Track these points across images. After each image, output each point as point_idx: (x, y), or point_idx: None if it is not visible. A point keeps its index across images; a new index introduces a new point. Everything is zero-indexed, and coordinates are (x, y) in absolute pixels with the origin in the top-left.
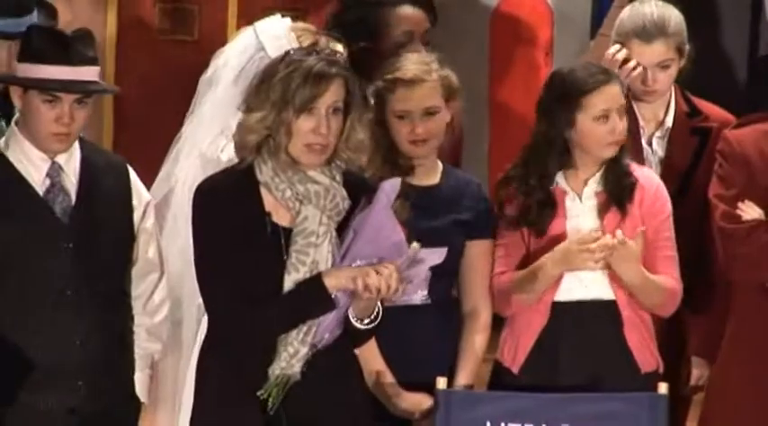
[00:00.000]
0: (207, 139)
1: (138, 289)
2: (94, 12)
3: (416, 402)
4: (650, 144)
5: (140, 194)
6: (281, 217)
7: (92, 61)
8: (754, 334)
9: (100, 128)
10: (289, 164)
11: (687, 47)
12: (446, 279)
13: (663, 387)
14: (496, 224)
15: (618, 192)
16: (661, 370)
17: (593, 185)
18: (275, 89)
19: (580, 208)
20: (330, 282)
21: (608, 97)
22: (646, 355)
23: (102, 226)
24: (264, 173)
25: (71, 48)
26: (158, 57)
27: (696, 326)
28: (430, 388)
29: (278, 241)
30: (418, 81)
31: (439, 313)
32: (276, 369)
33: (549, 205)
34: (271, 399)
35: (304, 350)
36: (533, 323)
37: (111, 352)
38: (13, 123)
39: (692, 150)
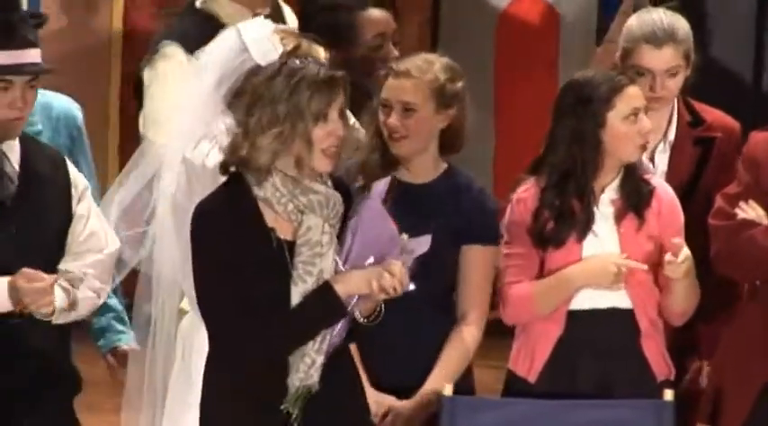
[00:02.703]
0: (190, 145)
1: (69, 265)
2: (100, 16)
3: (378, 401)
4: (652, 159)
5: (77, 182)
6: (283, 231)
7: (35, 44)
8: (743, 334)
9: (105, 134)
10: (287, 178)
11: (693, 56)
12: (433, 277)
13: (668, 394)
14: (497, 232)
15: (636, 200)
16: (673, 378)
17: (611, 192)
18: (284, 103)
19: (597, 215)
20: (342, 289)
21: (635, 96)
22: (661, 363)
23: (44, 212)
24: (265, 188)
25: (15, 31)
26: None
27: (705, 333)
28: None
29: (282, 255)
30: (406, 74)
31: (432, 317)
32: (295, 381)
33: (573, 217)
34: (293, 411)
35: (320, 360)
36: (549, 332)
37: (51, 337)
38: None
39: (694, 161)
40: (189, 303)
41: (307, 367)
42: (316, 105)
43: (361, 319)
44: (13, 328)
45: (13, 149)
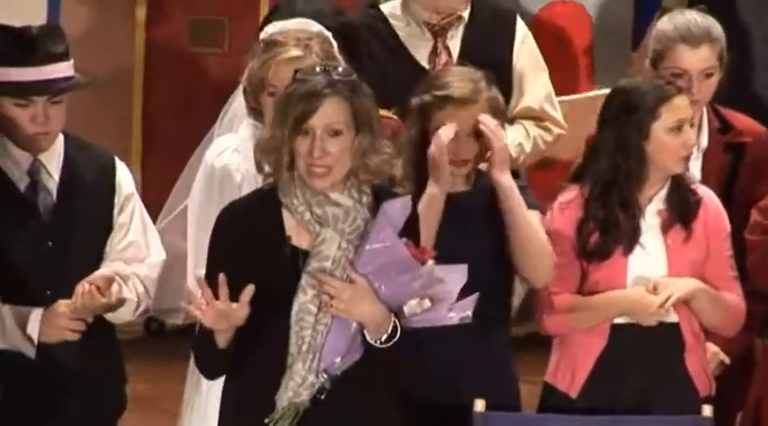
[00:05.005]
0: (214, 147)
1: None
2: (123, 24)
3: None
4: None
5: (121, 189)
6: (301, 239)
7: (60, 57)
8: None
9: (128, 142)
10: (306, 186)
11: (725, 57)
12: (482, 296)
13: (707, 410)
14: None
15: (683, 211)
16: (713, 394)
17: (657, 203)
18: (278, 107)
19: (643, 227)
20: None
21: (681, 107)
22: (703, 379)
23: (82, 224)
24: (288, 195)
25: (36, 46)
26: (188, 70)
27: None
28: (465, 409)
29: (296, 264)
30: (469, 101)
31: (477, 333)
32: (283, 399)
33: (619, 230)
34: None
35: (311, 378)
36: (592, 345)
37: (90, 352)
38: None
39: (726, 168)
40: None
41: (296, 385)
42: (293, 115)
43: (373, 341)
44: (59, 348)
45: (55, 156)
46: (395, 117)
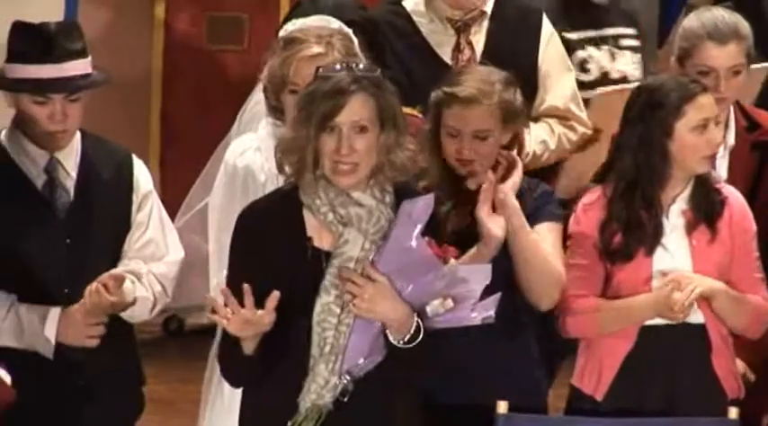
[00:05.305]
0: (235, 146)
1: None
2: (141, 22)
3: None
4: (713, 165)
5: (139, 186)
6: (323, 240)
7: (78, 54)
8: None
9: (146, 140)
10: (330, 186)
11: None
12: (509, 296)
13: (733, 412)
14: (557, 210)
15: (708, 210)
16: (742, 396)
17: (681, 203)
18: (302, 105)
19: (667, 227)
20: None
21: (706, 105)
22: (731, 381)
23: (100, 222)
24: (307, 194)
25: (55, 44)
26: (206, 68)
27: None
28: (489, 411)
29: (318, 265)
30: (474, 102)
31: (501, 333)
32: (306, 401)
33: (642, 230)
34: None
35: (334, 380)
36: (618, 347)
37: (108, 353)
38: (11, 120)
39: (753, 166)
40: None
41: (319, 387)
42: (318, 113)
43: (396, 341)
44: (76, 348)
45: (72, 153)
46: (419, 115)
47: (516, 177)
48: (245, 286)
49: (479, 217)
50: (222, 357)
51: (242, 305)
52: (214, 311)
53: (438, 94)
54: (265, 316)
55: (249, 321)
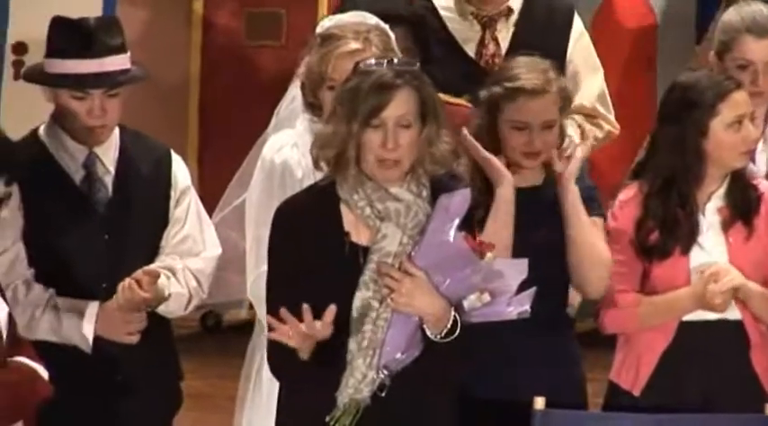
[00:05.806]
0: (273, 142)
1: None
2: (179, 18)
3: None
4: (752, 159)
5: (177, 182)
6: (361, 235)
7: (117, 50)
8: None
9: (185, 137)
10: (368, 181)
11: None
12: (548, 291)
13: None
14: (599, 206)
15: (744, 207)
16: None
17: (717, 200)
18: (344, 101)
19: (703, 225)
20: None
21: (740, 102)
22: None
23: (138, 217)
24: (345, 189)
25: (94, 39)
26: (244, 64)
27: None
28: (526, 407)
29: (356, 260)
30: (541, 92)
31: (541, 329)
32: (344, 395)
33: (678, 227)
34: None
35: (371, 374)
36: (656, 343)
37: (146, 348)
38: (50, 115)
39: None
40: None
41: (357, 381)
42: (365, 108)
43: (433, 336)
44: (114, 343)
45: (111, 149)
46: (468, 104)
47: (577, 163)
48: (305, 305)
49: (486, 157)
50: (279, 365)
51: (299, 319)
52: (271, 329)
53: (495, 90)
54: (324, 330)
55: (309, 336)
